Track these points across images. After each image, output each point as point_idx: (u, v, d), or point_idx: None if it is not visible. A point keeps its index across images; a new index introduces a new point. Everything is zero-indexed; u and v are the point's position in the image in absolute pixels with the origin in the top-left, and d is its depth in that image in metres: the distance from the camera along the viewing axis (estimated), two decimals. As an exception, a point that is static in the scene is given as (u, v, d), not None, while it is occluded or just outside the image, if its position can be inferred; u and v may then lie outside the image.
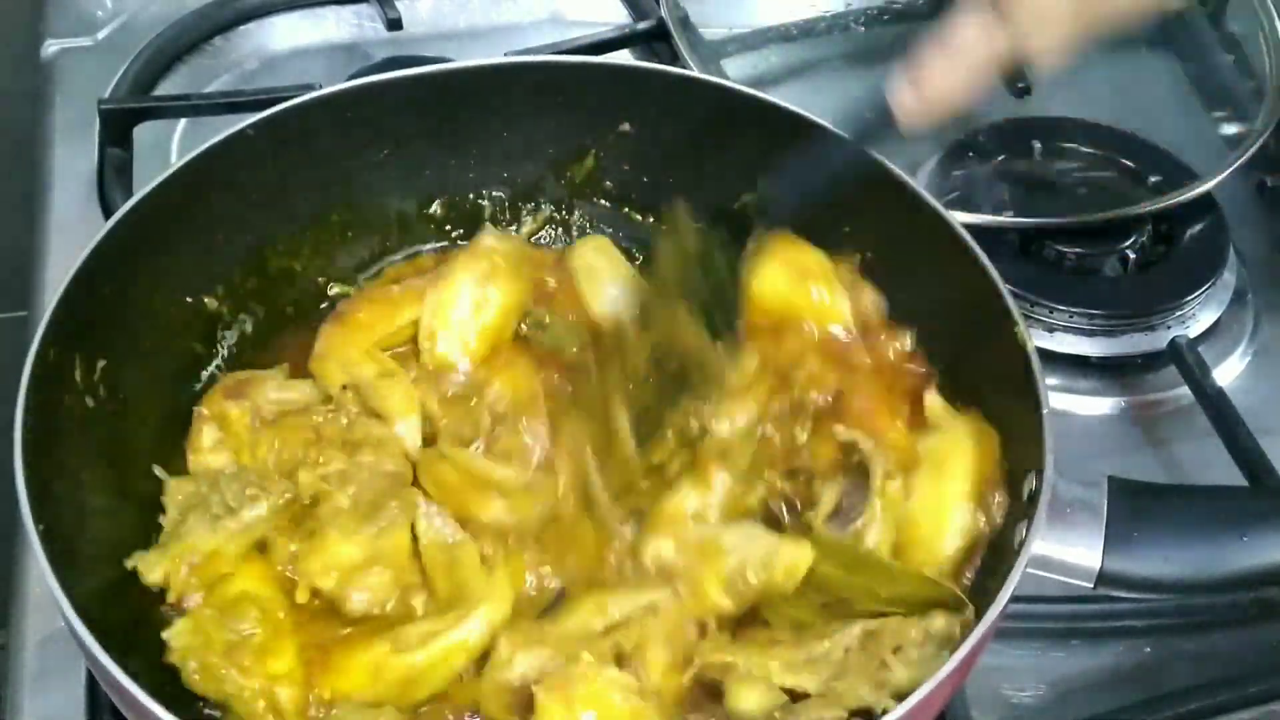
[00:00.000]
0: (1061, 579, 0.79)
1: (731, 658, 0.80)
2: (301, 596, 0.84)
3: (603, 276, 1.01)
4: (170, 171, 0.92)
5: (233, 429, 0.91)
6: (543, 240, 1.07)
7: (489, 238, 1.00)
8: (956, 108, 0.75)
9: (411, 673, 0.81)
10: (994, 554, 0.80)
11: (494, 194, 1.06)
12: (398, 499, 0.87)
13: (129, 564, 0.84)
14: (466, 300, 0.97)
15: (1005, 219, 1.13)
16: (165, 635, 0.81)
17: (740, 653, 0.81)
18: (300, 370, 0.96)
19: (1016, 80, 1.26)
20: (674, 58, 1.26)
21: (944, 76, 0.75)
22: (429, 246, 1.05)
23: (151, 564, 0.84)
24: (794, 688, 0.79)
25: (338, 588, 0.84)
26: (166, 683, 0.80)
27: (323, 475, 0.88)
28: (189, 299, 0.95)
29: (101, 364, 0.87)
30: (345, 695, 0.81)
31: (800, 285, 0.95)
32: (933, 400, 0.91)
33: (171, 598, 0.84)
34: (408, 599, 0.85)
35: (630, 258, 1.04)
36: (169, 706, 0.71)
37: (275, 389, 0.93)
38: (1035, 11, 0.70)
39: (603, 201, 1.06)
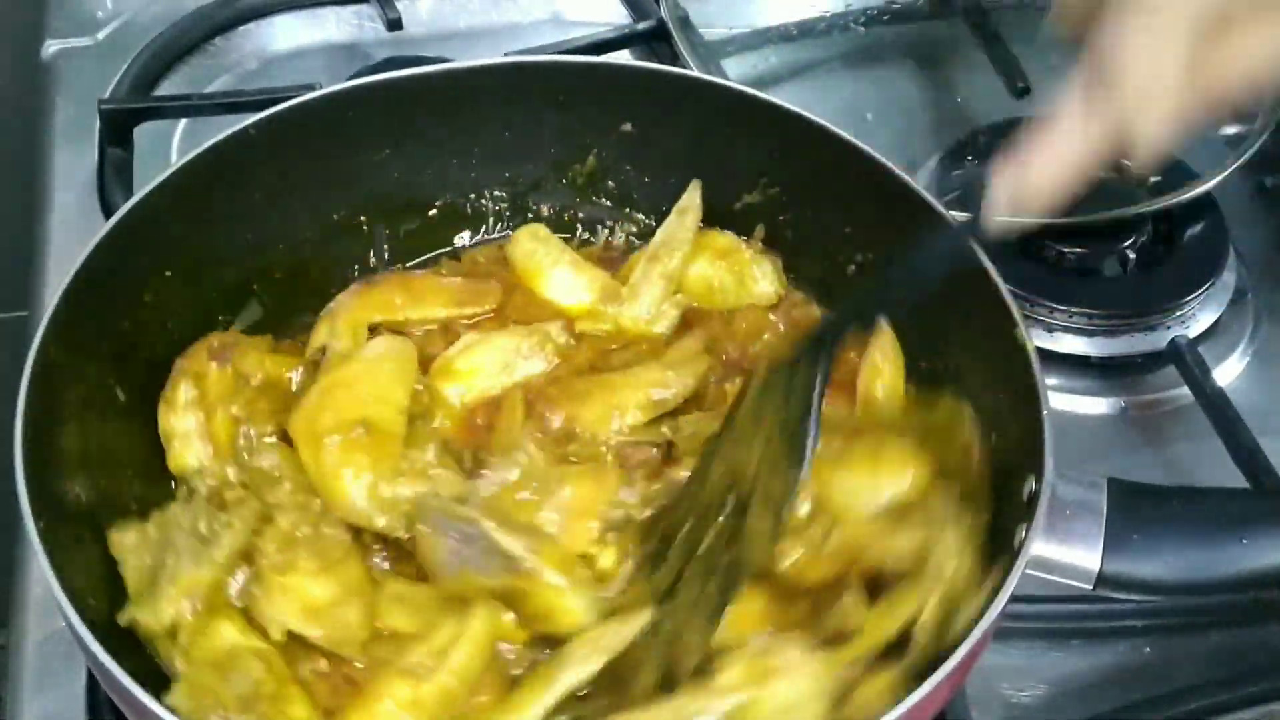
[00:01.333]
0: (1061, 580, 0.79)
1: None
2: (276, 635, 0.81)
3: (545, 262, 1.01)
4: (171, 170, 0.92)
5: (209, 389, 0.90)
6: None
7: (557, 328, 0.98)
8: (1056, 203, 0.70)
9: (447, 693, 0.79)
10: (993, 555, 0.80)
11: (495, 193, 1.06)
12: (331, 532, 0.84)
13: (124, 619, 0.79)
14: (495, 363, 0.96)
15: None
16: (167, 701, 0.75)
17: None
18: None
19: (1017, 80, 1.26)
20: (674, 58, 1.26)
21: (1045, 183, 0.70)
22: (437, 251, 1.05)
23: (158, 609, 0.79)
24: None
25: (309, 627, 0.81)
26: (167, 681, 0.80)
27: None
28: (190, 298, 0.95)
29: (102, 363, 0.87)
30: None
31: (719, 265, 1.00)
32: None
33: (184, 638, 0.79)
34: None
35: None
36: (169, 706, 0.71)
37: (257, 357, 0.92)
38: (1141, 84, 0.64)
39: (604, 201, 1.06)
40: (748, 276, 1.01)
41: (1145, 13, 0.63)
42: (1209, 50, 0.64)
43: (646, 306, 0.99)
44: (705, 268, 1.01)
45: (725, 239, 1.02)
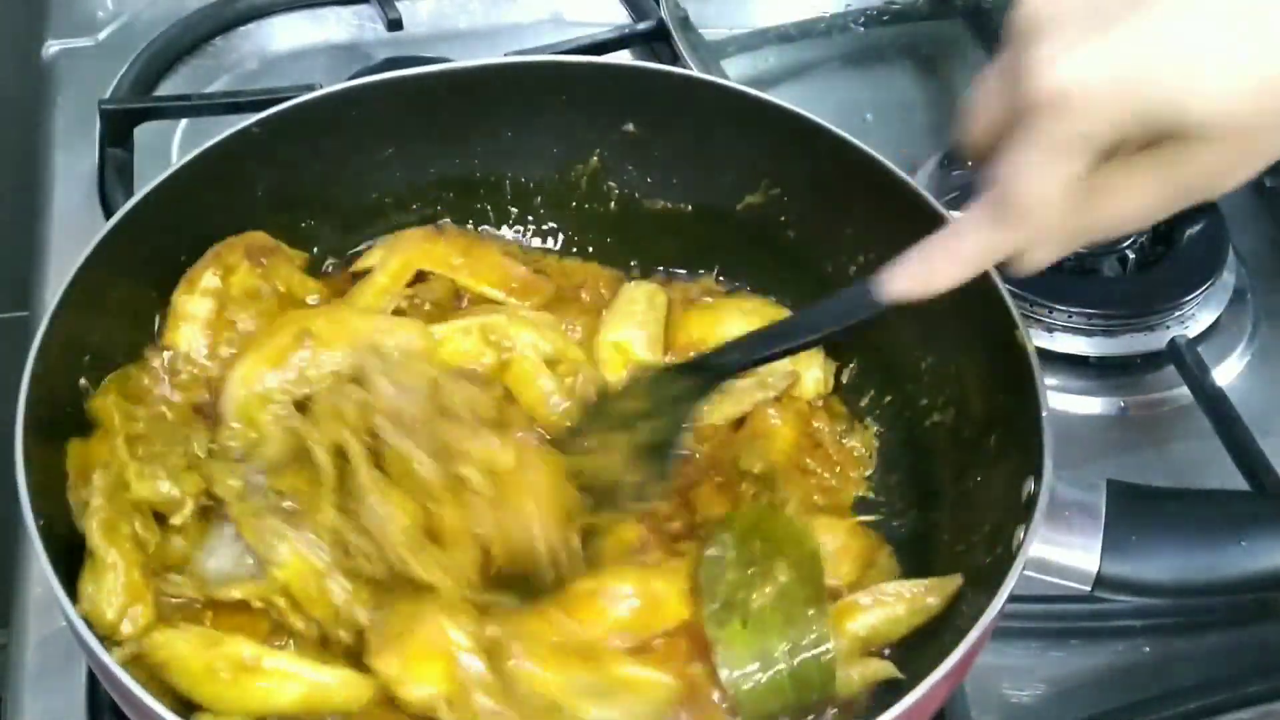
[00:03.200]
0: (1059, 582, 0.80)
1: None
2: None
3: (632, 320, 0.98)
4: (171, 171, 0.92)
5: (231, 283, 0.92)
6: (546, 243, 1.06)
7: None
8: (944, 291, 0.78)
9: None
10: (992, 555, 0.80)
11: (499, 194, 1.06)
12: None
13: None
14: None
15: (1005, 219, 1.13)
16: None
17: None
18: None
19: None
20: (674, 58, 1.26)
21: (943, 274, 0.77)
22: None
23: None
24: None
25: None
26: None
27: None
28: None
29: (103, 362, 0.87)
30: None
31: None
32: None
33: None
34: None
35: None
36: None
37: (289, 270, 0.95)
38: (1029, 207, 0.71)
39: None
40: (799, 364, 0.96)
41: (1039, 148, 0.69)
42: (1095, 186, 0.71)
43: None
44: None
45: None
